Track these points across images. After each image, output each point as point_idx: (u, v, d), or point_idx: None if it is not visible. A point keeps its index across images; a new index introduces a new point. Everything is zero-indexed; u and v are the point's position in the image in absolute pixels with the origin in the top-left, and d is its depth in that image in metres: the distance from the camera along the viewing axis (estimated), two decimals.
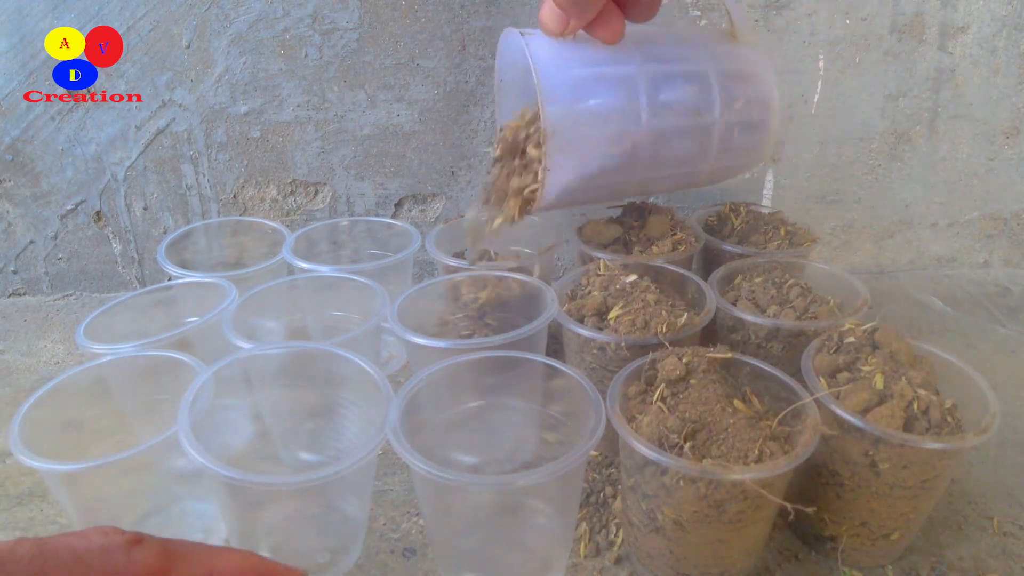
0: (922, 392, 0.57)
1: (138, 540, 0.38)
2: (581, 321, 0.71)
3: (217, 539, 0.63)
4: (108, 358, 0.65)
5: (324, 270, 0.82)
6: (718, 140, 0.69)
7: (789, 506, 0.51)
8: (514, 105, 0.74)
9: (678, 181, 0.75)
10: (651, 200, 1.08)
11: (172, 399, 0.62)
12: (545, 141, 0.61)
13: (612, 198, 0.79)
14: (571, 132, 0.62)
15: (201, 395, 0.57)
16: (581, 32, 0.63)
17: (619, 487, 0.68)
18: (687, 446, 0.53)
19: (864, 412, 0.55)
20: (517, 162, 0.70)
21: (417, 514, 0.66)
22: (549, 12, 0.61)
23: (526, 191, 0.69)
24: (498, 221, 0.72)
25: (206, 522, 0.63)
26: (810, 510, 0.53)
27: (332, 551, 0.61)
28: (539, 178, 0.64)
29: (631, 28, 0.64)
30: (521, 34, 0.64)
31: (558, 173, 0.64)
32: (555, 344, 0.86)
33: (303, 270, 0.82)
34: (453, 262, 0.83)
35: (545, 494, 0.60)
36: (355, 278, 0.79)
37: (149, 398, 0.66)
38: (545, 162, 0.62)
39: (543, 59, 0.62)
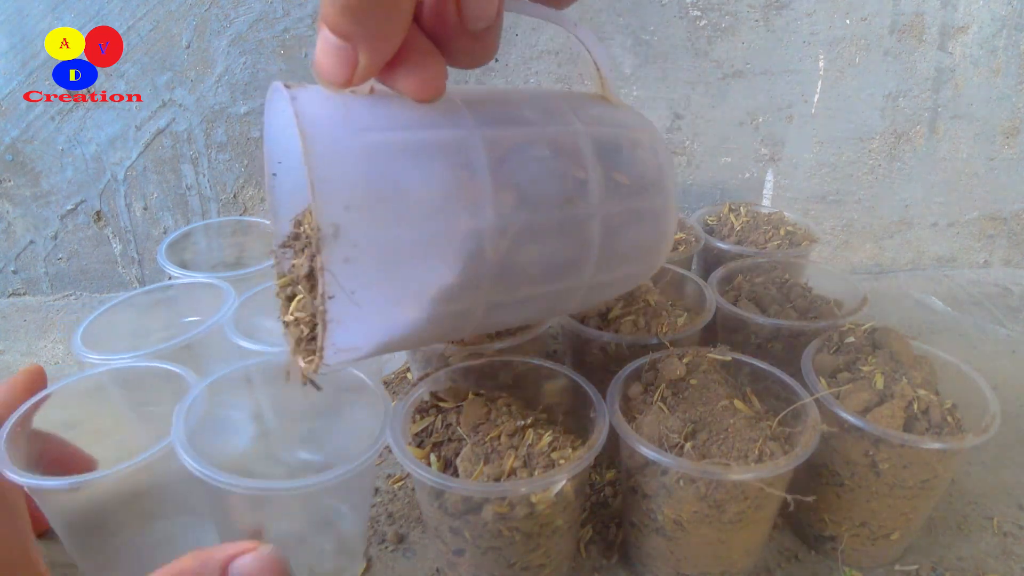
0: (922, 392, 0.57)
1: None
2: (582, 321, 0.71)
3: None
4: (101, 368, 0.64)
5: None
6: (600, 239, 0.46)
7: (789, 497, 0.51)
8: (299, 208, 0.48)
9: (543, 306, 0.49)
10: None
11: (164, 409, 0.62)
12: (321, 249, 0.36)
13: (443, 338, 0.50)
14: (370, 234, 0.37)
15: (195, 406, 0.57)
16: (383, 90, 0.40)
17: (619, 487, 0.68)
18: (687, 446, 0.53)
19: (864, 412, 0.55)
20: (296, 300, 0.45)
21: (418, 518, 0.66)
22: (326, 47, 0.36)
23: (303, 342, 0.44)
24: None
25: (198, 533, 0.63)
26: (811, 499, 0.53)
27: (335, 556, 0.61)
28: (319, 314, 0.38)
29: (458, 85, 0.44)
30: (286, 87, 0.39)
31: (347, 305, 0.37)
32: (555, 344, 0.86)
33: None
34: None
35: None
36: None
37: (140, 408, 0.66)
38: (324, 285, 0.36)
39: (317, 118, 0.37)
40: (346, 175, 0.37)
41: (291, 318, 0.44)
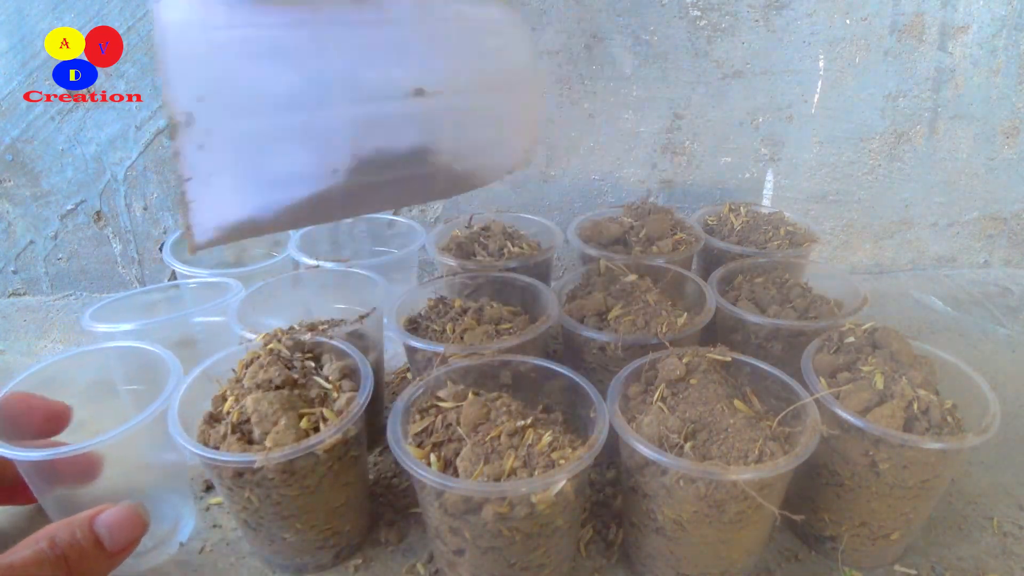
0: (922, 392, 0.57)
1: None
2: (581, 321, 0.71)
3: (185, 529, 0.65)
4: (93, 347, 0.66)
5: (329, 265, 0.82)
6: (451, 123, 0.50)
7: (778, 513, 0.51)
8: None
9: (406, 189, 0.53)
10: (651, 200, 1.08)
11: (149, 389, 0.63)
12: (175, 135, 0.41)
13: (315, 218, 0.55)
14: (224, 123, 0.42)
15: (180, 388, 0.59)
16: None
17: (619, 487, 0.68)
18: (687, 446, 0.53)
19: (864, 412, 0.55)
20: None
21: (418, 518, 0.66)
22: None
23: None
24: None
25: (177, 510, 0.65)
26: (799, 518, 0.53)
27: None
28: (179, 197, 0.44)
29: None
30: None
31: (207, 186, 0.43)
32: (555, 344, 0.86)
33: (309, 266, 0.83)
34: (454, 262, 0.83)
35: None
36: (359, 271, 0.80)
37: (128, 386, 0.67)
38: (181, 168, 0.42)
39: (174, 21, 0.41)
40: (198, 68, 0.41)
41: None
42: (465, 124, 0.51)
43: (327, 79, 0.45)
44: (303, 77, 0.44)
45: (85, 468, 0.57)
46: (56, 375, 0.64)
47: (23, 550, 0.47)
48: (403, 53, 0.47)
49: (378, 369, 0.75)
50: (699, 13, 0.99)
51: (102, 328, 0.68)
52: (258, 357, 0.60)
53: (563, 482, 0.49)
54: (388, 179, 0.50)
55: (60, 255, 1.08)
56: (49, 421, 0.61)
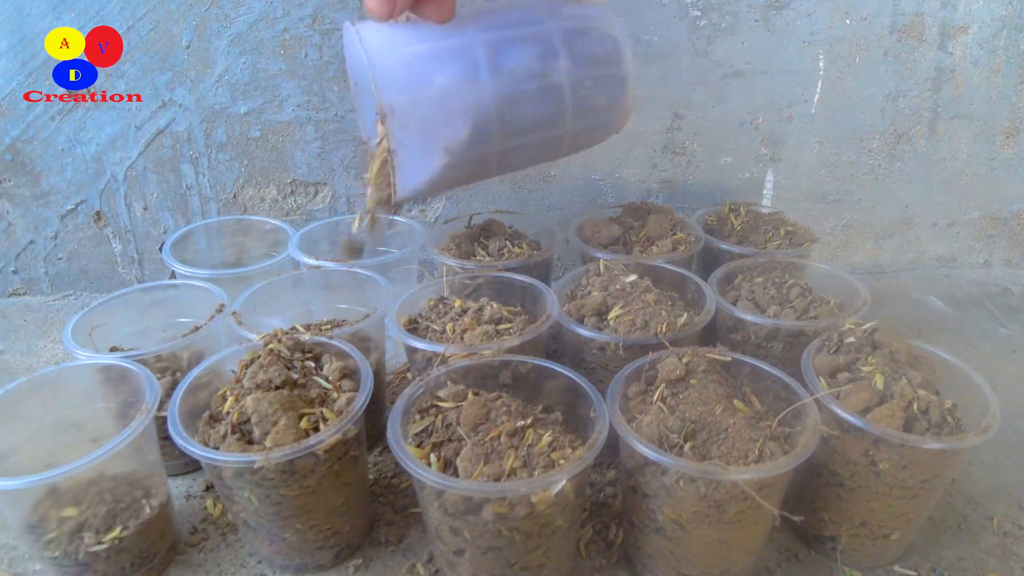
0: (922, 392, 0.57)
1: None
2: (581, 321, 0.71)
3: None
4: (66, 365, 0.66)
5: (330, 265, 0.82)
6: (571, 99, 0.65)
7: (777, 513, 0.51)
8: (373, 108, 0.68)
9: (541, 150, 0.69)
10: (651, 200, 1.08)
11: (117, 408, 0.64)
12: (384, 120, 0.58)
13: (479, 175, 0.72)
14: (412, 110, 0.59)
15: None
16: (414, 16, 0.61)
17: (620, 487, 0.68)
18: (687, 446, 0.53)
19: (864, 412, 0.55)
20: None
21: (418, 518, 0.66)
22: None
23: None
24: (359, 222, 0.68)
25: None
26: (798, 519, 0.53)
27: None
28: (390, 163, 0.60)
29: (464, 6, 0.62)
30: (353, 24, 0.60)
31: (406, 155, 0.60)
32: (555, 344, 0.86)
33: (310, 266, 0.83)
34: (454, 262, 0.83)
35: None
36: (359, 271, 0.80)
37: (104, 406, 0.67)
38: (389, 143, 0.59)
39: (374, 42, 0.59)
40: (394, 75, 0.57)
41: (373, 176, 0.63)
42: (581, 92, 0.65)
43: (481, 70, 0.60)
44: (464, 71, 0.60)
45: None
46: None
47: None
48: (533, 47, 0.63)
49: (379, 369, 0.75)
50: (699, 13, 0.99)
51: (81, 353, 0.67)
52: (258, 357, 0.61)
53: (563, 482, 0.49)
54: (527, 142, 0.65)
55: (60, 255, 1.08)
56: None
